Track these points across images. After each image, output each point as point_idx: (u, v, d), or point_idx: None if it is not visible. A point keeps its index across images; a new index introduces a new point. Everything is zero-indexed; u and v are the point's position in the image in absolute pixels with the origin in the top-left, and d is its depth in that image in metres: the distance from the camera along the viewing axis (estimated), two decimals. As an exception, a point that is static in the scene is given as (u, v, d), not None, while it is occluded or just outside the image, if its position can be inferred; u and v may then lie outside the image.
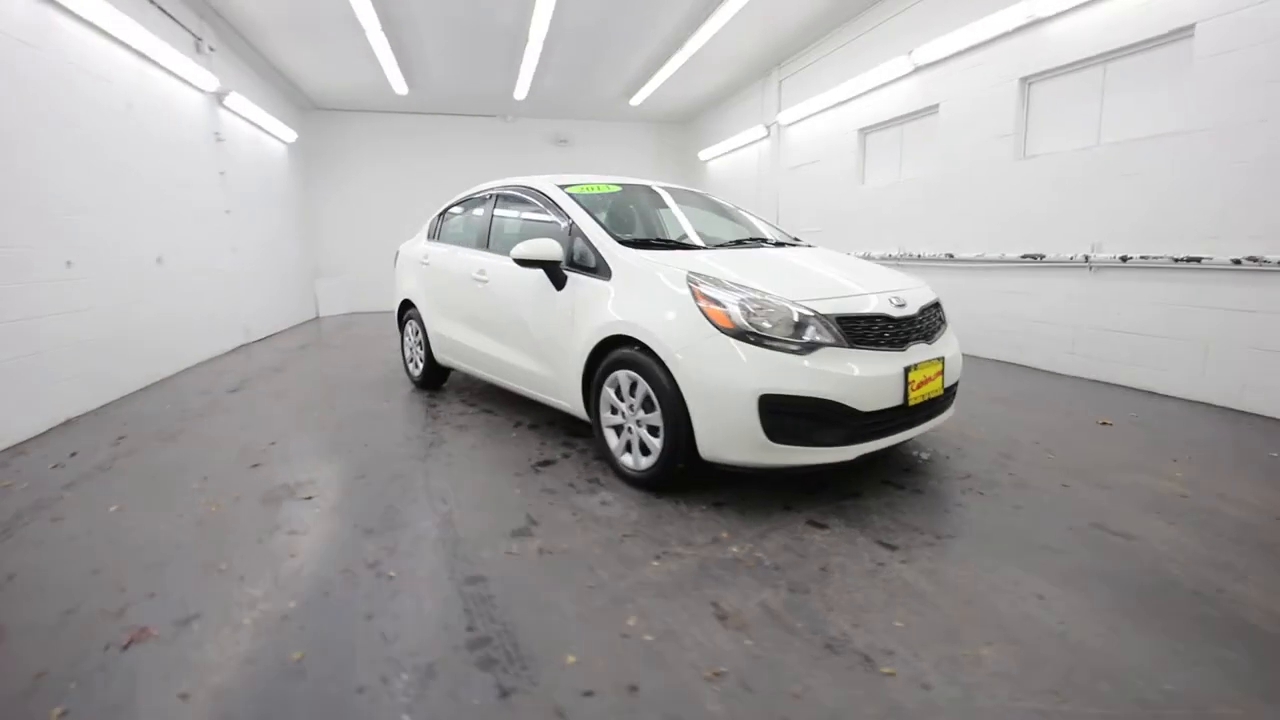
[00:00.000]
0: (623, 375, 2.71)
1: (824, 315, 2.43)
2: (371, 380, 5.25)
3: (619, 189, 3.69)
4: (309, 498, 2.74)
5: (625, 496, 2.67)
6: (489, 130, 11.46)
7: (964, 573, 2.02)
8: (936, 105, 5.89)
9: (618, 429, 2.84)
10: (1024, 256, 5.03)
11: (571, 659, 1.62)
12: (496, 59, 8.16)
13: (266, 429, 3.80)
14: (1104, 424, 3.58)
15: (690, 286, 2.55)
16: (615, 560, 2.13)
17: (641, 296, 2.70)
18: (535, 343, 3.32)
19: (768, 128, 9.06)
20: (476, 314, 3.87)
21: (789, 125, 8.50)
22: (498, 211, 4.00)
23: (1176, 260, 3.95)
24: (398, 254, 5.18)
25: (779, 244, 3.45)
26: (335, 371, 5.72)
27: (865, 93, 6.81)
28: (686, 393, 2.43)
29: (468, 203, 4.46)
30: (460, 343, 4.09)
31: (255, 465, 3.16)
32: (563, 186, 3.49)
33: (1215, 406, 3.85)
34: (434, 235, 4.71)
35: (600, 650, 1.66)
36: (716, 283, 2.53)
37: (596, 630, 1.74)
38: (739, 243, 3.35)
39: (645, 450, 2.69)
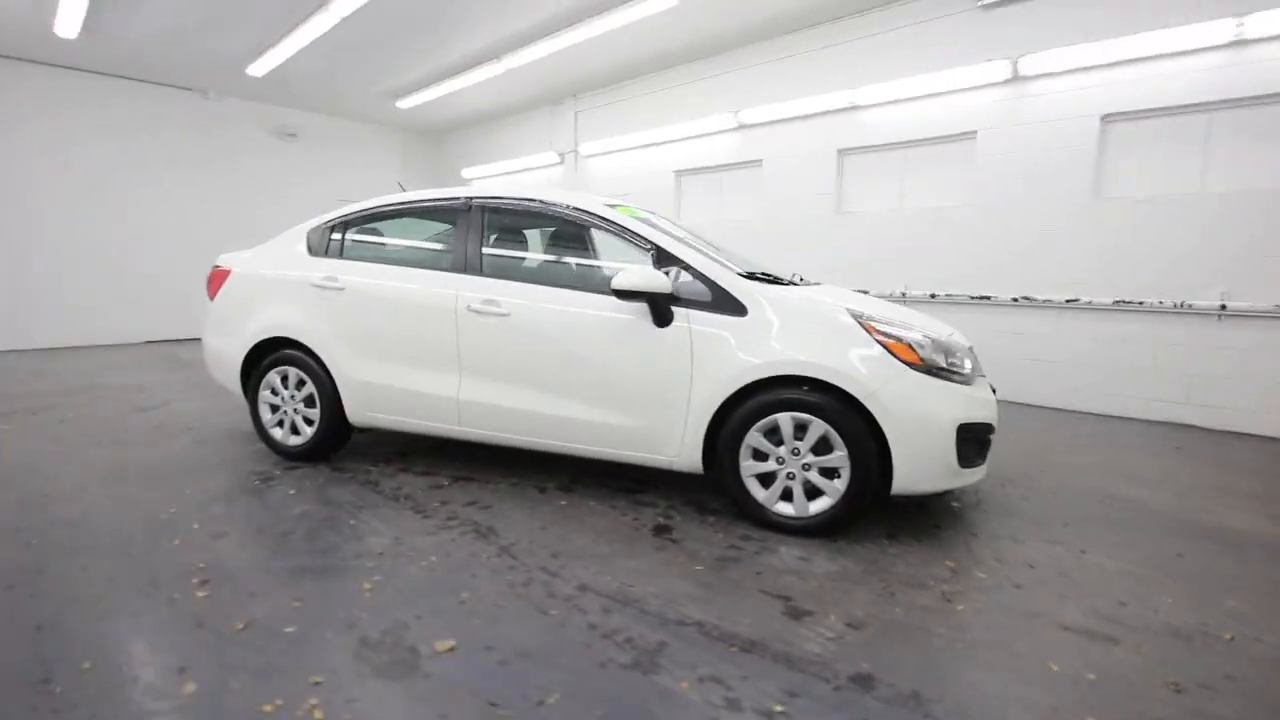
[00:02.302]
0: (785, 418, 2.53)
1: (968, 349, 2.72)
2: (219, 460, 3.54)
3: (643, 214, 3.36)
4: None
5: (802, 547, 2.48)
6: (183, 108, 8.65)
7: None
8: (760, 160, 6.84)
9: (764, 477, 2.62)
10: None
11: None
12: (254, 18, 6.30)
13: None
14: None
15: (861, 324, 2.55)
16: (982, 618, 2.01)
17: (807, 334, 2.57)
18: (610, 388, 2.80)
19: (562, 155, 9.07)
20: (472, 355, 3.01)
21: (590, 156, 8.68)
22: (498, 230, 3.21)
23: (972, 297, 5.48)
24: (226, 274, 3.63)
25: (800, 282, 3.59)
26: (137, 455, 3.64)
27: (686, 139, 7.45)
28: (888, 428, 2.42)
29: (411, 213, 3.43)
30: (416, 392, 3.13)
31: None
32: (613, 206, 3.03)
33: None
34: (328, 250, 3.46)
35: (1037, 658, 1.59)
36: (887, 320, 2.60)
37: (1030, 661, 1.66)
38: (776, 280, 3.40)
39: (810, 495, 2.56)
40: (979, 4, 5.16)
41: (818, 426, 2.50)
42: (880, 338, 2.52)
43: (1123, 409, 4.85)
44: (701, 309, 2.69)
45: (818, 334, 2.57)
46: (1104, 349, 4.91)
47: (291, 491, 3.04)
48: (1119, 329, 4.82)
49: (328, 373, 3.32)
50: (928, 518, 2.82)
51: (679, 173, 7.67)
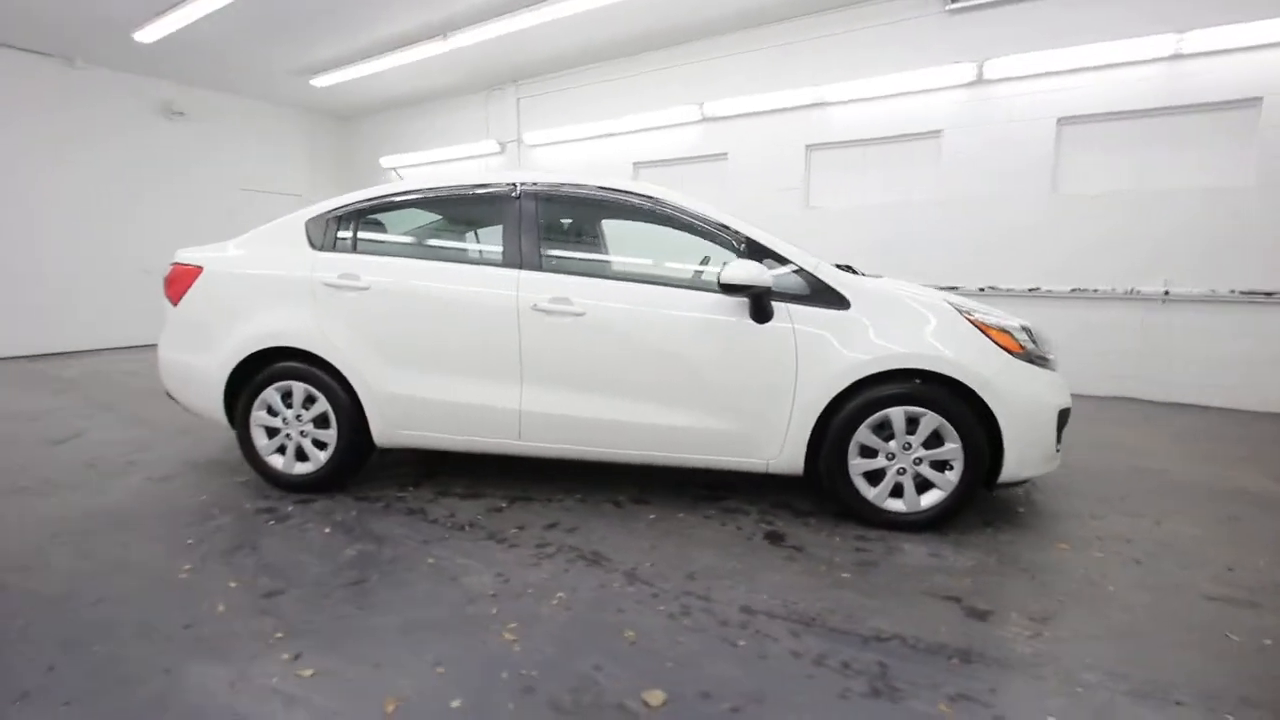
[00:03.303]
0: (897, 412, 2.48)
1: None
2: (185, 505, 2.91)
3: None
4: None
5: (922, 543, 2.44)
6: (42, 77, 7.19)
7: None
8: (725, 153, 6.81)
9: (872, 475, 2.55)
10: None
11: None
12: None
13: None
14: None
15: (963, 315, 2.55)
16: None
17: (915, 326, 2.53)
18: (704, 390, 2.60)
19: (502, 144, 8.57)
20: (538, 360, 2.69)
21: (537, 146, 8.26)
22: (555, 220, 2.89)
23: (940, 288, 5.77)
24: (195, 273, 3.03)
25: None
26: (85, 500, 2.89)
27: (646, 130, 7.27)
28: (1001, 417, 2.43)
29: (440, 202, 3.01)
30: (466, 404, 2.77)
31: None
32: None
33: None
34: (336, 244, 2.96)
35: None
36: (985, 311, 2.61)
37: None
38: (849, 268, 3.31)
39: (919, 488, 2.53)
40: (946, 8, 5.43)
41: (931, 419, 2.46)
42: (983, 327, 2.53)
43: (1080, 388, 5.32)
44: (801, 303, 2.57)
45: (926, 326, 2.53)
46: (1063, 333, 5.35)
47: (326, 529, 2.56)
48: (1076, 315, 5.27)
49: (347, 387, 2.84)
50: (1002, 503, 2.89)
51: (638, 165, 7.48)
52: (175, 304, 3.08)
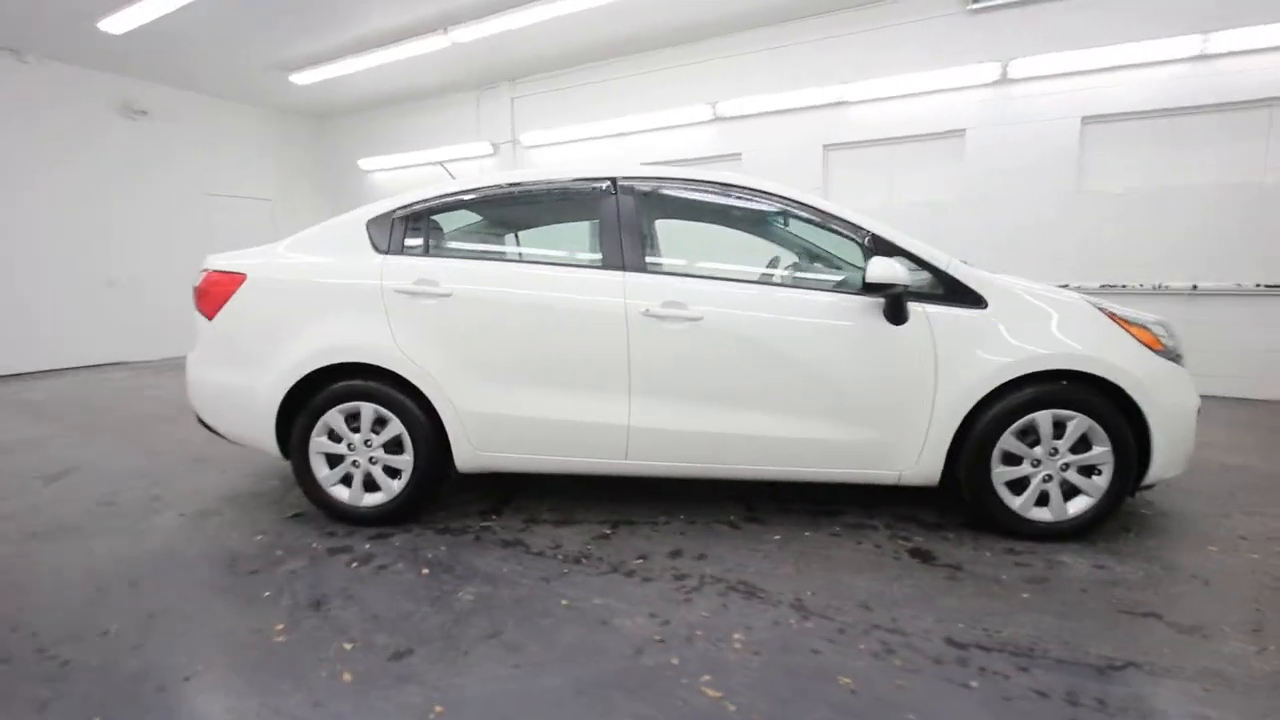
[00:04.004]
0: (1044, 416, 2.34)
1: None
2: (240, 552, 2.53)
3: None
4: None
5: (1078, 553, 2.30)
6: (-14, 69, 6.49)
7: None
8: (740, 154, 6.68)
9: (1016, 484, 2.41)
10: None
11: None
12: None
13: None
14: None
15: (1102, 312, 2.44)
16: None
17: (1058, 325, 2.39)
18: (835, 399, 2.41)
19: (496, 145, 8.22)
20: (649, 370, 2.45)
21: (535, 147, 7.95)
22: (658, 217, 2.65)
23: (968, 287, 5.77)
24: (238, 281, 2.66)
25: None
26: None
27: (654, 130, 7.07)
28: (1151, 418, 2.32)
29: (524, 198, 2.73)
30: (566, 422, 2.50)
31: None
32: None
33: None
34: (405, 246, 2.65)
35: None
36: (1120, 308, 2.51)
37: None
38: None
39: (1066, 496, 2.40)
40: (967, 7, 5.44)
41: (1080, 422, 2.33)
42: (1124, 324, 2.42)
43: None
44: (936, 303, 2.40)
45: (1067, 324, 2.41)
46: (1088, 329, 5.42)
47: (422, 570, 2.25)
48: (1104, 310, 5.33)
49: (425, 406, 2.53)
50: (1126, 506, 2.79)
51: (646, 166, 7.25)
52: (210, 317, 2.70)
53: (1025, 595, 2.03)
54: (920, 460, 2.42)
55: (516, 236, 2.93)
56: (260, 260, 2.71)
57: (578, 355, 2.49)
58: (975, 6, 5.40)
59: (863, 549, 2.38)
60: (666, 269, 2.54)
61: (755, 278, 2.56)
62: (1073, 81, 5.19)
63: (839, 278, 2.63)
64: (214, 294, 2.70)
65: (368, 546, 2.44)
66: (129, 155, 7.66)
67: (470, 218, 2.79)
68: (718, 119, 6.71)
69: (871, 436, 2.43)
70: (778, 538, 2.48)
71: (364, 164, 9.39)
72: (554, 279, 2.54)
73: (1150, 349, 2.41)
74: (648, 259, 2.54)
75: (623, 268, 2.51)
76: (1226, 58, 4.72)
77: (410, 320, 2.53)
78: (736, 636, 1.81)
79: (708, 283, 2.48)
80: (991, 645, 1.76)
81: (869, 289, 2.33)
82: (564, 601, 2.02)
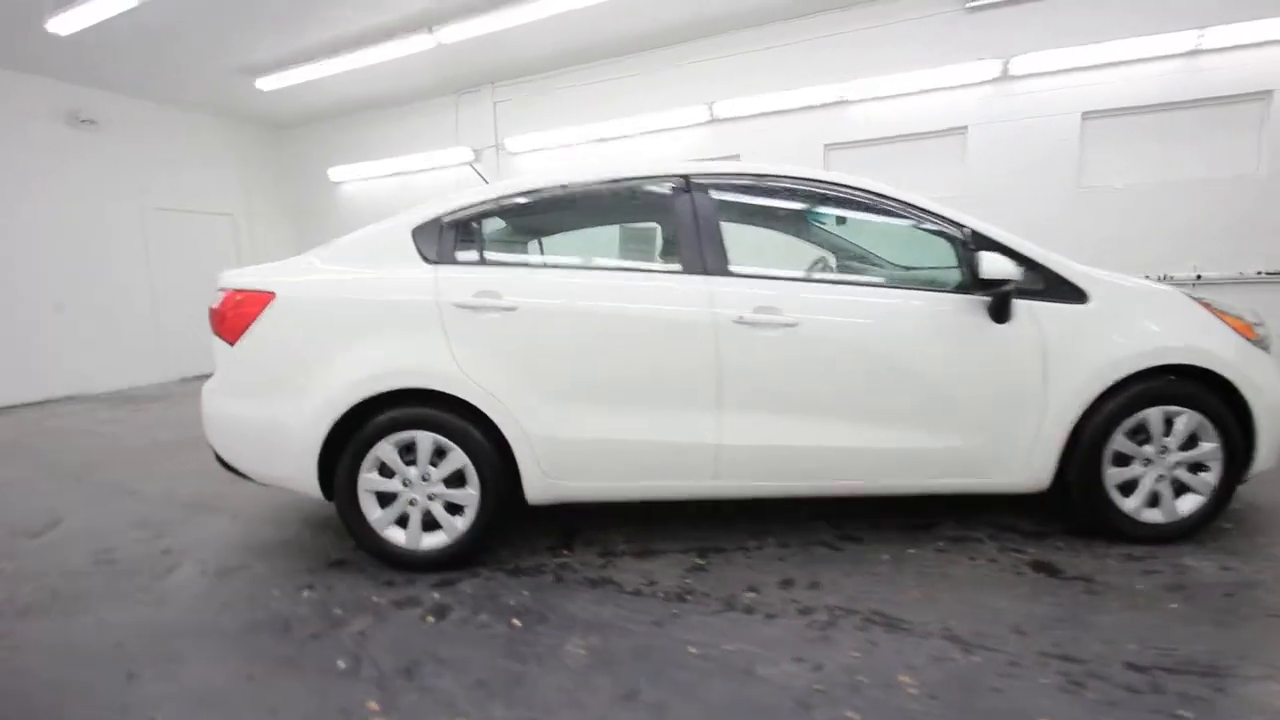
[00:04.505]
0: (1155, 413, 2.26)
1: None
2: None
3: None
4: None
5: (1195, 555, 2.21)
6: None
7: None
8: (738, 155, 6.55)
9: (1124, 486, 2.31)
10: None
11: None
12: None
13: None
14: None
15: (1199, 303, 2.37)
16: None
17: (1162, 318, 2.32)
18: (941, 405, 2.27)
19: (477, 151, 7.89)
20: (741, 382, 2.25)
21: (520, 154, 7.66)
22: (738, 217, 2.46)
23: (975, 283, 5.79)
24: (265, 300, 2.34)
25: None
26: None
27: (647, 133, 6.89)
28: (1256, 410, 2.27)
29: (586, 199, 2.51)
30: (649, 443, 2.29)
31: None
32: None
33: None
34: (455, 256, 2.38)
35: None
36: (1214, 299, 2.45)
37: None
38: None
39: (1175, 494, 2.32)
40: (965, 6, 5.46)
41: (1189, 419, 2.25)
42: (1221, 315, 2.36)
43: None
44: (1039, 299, 2.29)
45: (1171, 317, 2.33)
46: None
47: (514, 621, 1.98)
48: (1110, 302, 5.41)
49: (492, 433, 2.26)
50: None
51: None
52: (232, 342, 2.37)
53: (1173, 606, 1.92)
54: (1030, 465, 2.29)
55: (579, 241, 2.70)
56: (289, 277, 2.40)
57: (661, 370, 2.27)
58: (973, 5, 5.42)
59: (979, 565, 2.24)
60: (750, 271, 2.35)
61: (848, 278, 2.40)
62: (1072, 78, 5.26)
63: (938, 276, 2.48)
64: (236, 316, 2.36)
65: (436, 596, 2.16)
66: (75, 168, 7.02)
67: (525, 222, 2.55)
68: (715, 120, 6.57)
69: (979, 443, 2.29)
70: (886, 558, 2.31)
71: (334, 174, 8.90)
72: (631, 288, 2.32)
73: (1246, 339, 2.36)
74: (729, 261, 2.34)
75: (706, 272, 2.31)
76: (1218, 53, 4.85)
77: (472, 338, 2.27)
78: (904, 679, 1.63)
79: (800, 285, 2.31)
80: (1175, 666, 1.63)
81: (980, 285, 2.20)
82: (691, 649, 1.80)
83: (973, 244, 2.32)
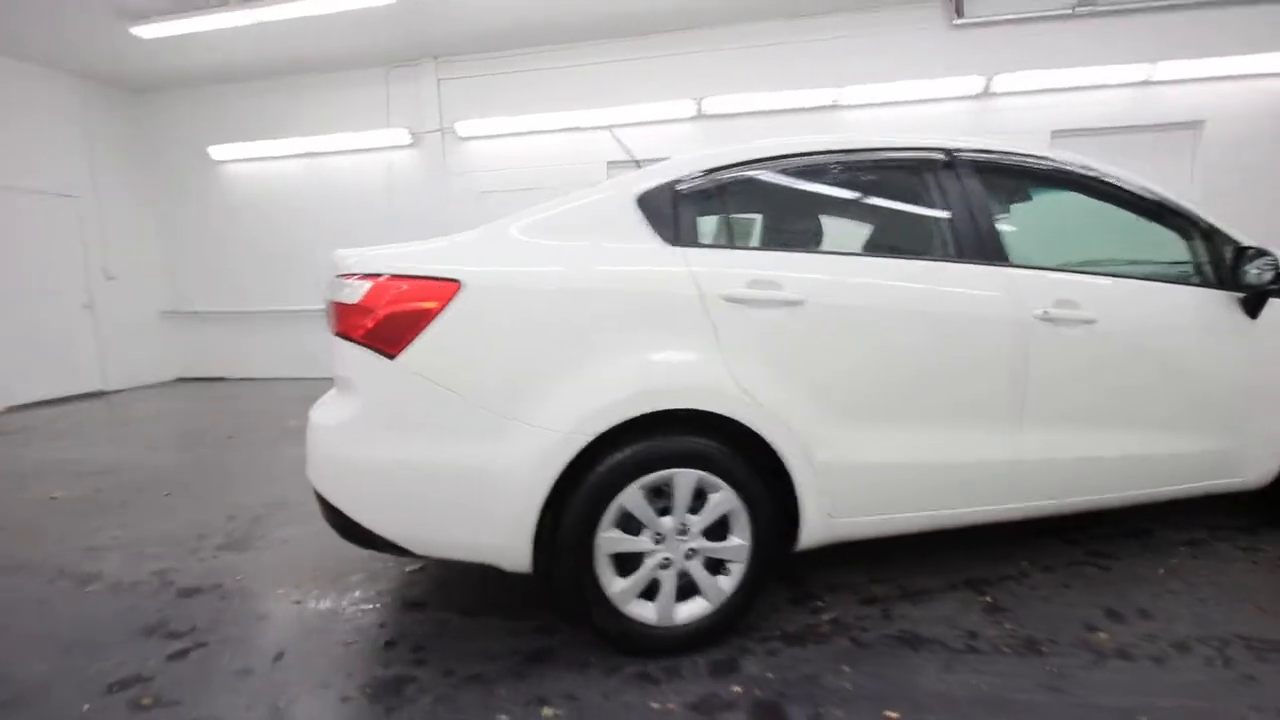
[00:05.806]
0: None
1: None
2: None
3: None
4: None
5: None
6: None
7: None
8: (725, 154, 6.32)
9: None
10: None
11: None
12: None
13: None
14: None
15: None
16: None
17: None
18: (1205, 405, 2.17)
19: (416, 135, 6.89)
20: (1046, 389, 1.96)
21: (473, 139, 6.78)
22: (999, 198, 2.16)
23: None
24: (450, 292, 1.64)
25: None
26: None
27: (627, 125, 6.40)
28: None
29: (851, 169, 2.08)
30: (946, 464, 1.92)
31: None
32: None
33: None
34: (698, 235, 1.83)
35: None
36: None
37: None
38: None
39: None
40: (952, 23, 5.71)
41: None
42: None
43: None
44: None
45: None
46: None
47: (890, 714, 1.49)
48: (1075, 304, 5.93)
49: (772, 462, 1.75)
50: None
51: (612, 164, 6.57)
52: (394, 354, 1.61)
53: None
54: (1271, 461, 2.26)
55: (850, 220, 2.23)
56: (479, 259, 1.68)
57: (964, 376, 1.91)
58: (959, 22, 5.70)
59: (1260, 568, 2.14)
60: (1029, 259, 2.07)
61: (1136, 271, 2.22)
62: (1046, 98, 5.70)
63: (1190, 272, 2.34)
64: (400, 316, 1.61)
65: (736, 689, 1.60)
66: None
67: (778, 189, 2.03)
68: (702, 116, 6.29)
69: (1233, 444, 2.21)
70: (1162, 572, 2.14)
71: (216, 152, 7.29)
72: (933, 277, 1.93)
73: None
74: (1004, 246, 2.04)
75: (979, 257, 1.99)
76: (1168, 85, 5.52)
77: (746, 341, 1.74)
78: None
79: (1086, 278, 2.08)
80: None
81: (1235, 282, 2.13)
82: (1142, 717, 1.46)
83: (1212, 239, 2.25)
